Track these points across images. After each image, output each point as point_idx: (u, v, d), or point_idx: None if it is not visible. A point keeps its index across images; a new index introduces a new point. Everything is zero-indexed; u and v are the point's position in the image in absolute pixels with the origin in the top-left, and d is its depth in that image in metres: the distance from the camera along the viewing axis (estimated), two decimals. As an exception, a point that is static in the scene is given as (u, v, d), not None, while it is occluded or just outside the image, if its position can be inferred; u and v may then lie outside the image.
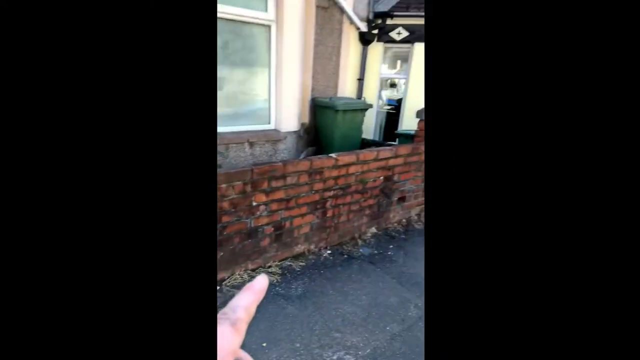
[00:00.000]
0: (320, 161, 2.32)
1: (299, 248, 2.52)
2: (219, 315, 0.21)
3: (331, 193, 2.48)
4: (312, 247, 2.59)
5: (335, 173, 2.43)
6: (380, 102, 5.07)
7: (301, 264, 2.43)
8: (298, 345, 1.71)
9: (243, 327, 0.21)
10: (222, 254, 2.10)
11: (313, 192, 2.38)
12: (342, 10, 3.90)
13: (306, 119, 4.16)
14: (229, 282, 2.14)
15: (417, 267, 2.47)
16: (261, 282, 0.24)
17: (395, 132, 4.28)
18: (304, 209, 2.40)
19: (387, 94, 5.33)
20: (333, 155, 2.41)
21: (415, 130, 3.27)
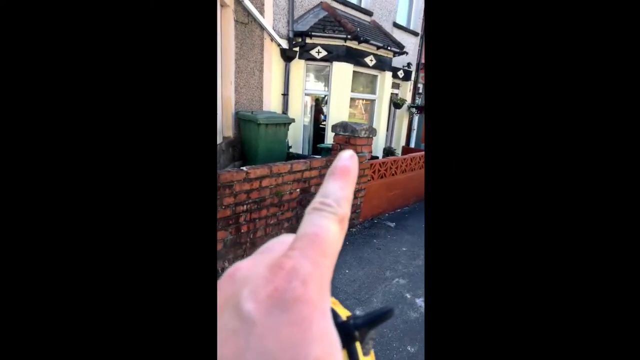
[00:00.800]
0: (229, 174, 2.26)
1: (212, 267, 2.39)
2: (316, 205, 0.16)
3: (244, 207, 2.42)
4: (227, 265, 2.47)
5: (247, 187, 2.38)
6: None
7: (214, 283, 2.30)
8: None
9: (347, 225, 0.17)
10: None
11: (223, 207, 2.29)
12: (262, 27, 3.95)
13: (230, 133, 4.06)
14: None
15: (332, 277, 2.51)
16: (355, 161, 0.18)
17: (318, 146, 4.41)
18: (214, 225, 2.29)
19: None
20: (244, 168, 2.36)
21: (332, 144, 3.40)
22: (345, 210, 0.17)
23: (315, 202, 0.17)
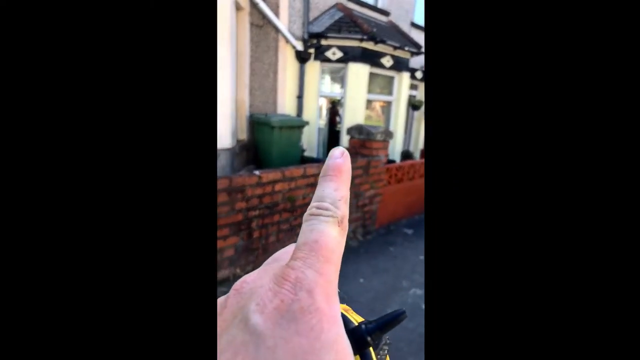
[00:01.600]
0: (241, 179, 2.21)
1: (223, 273, 2.34)
2: (312, 211, 0.17)
3: (256, 212, 2.37)
4: (238, 271, 2.42)
5: (259, 191, 2.33)
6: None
7: (224, 290, 2.24)
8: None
9: (347, 225, 0.17)
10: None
11: (235, 212, 2.24)
12: (277, 29, 3.92)
13: (244, 136, 4.05)
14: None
15: (345, 285, 2.41)
16: (347, 159, 0.18)
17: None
18: (225, 231, 2.24)
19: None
20: (256, 172, 2.31)
21: (347, 147, 3.31)
22: (343, 212, 0.17)
23: (312, 207, 0.17)
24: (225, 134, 3.49)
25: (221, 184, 2.12)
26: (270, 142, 3.71)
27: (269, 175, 2.37)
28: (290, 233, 2.66)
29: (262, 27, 3.85)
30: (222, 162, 3.54)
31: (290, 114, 4.34)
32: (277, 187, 2.44)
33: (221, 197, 2.14)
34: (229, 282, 2.33)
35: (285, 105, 4.38)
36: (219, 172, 3.53)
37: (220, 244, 2.24)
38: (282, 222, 2.57)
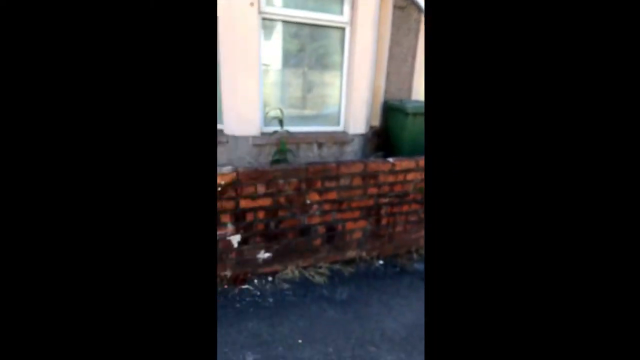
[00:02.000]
0: (375, 164, 2.25)
1: (351, 253, 2.48)
2: None
3: (386, 200, 2.38)
4: (364, 254, 2.52)
5: (391, 178, 2.32)
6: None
7: (351, 270, 2.39)
8: (331, 350, 1.69)
9: None
10: (277, 247, 2.21)
11: (367, 196, 2.31)
12: (419, 9, 3.70)
13: (376, 122, 4.07)
14: (281, 275, 2.24)
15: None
16: None
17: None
18: (356, 213, 2.35)
19: None
20: (390, 159, 2.30)
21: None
22: None
23: None
24: (361, 121, 3.60)
25: (356, 167, 2.21)
26: (402, 129, 3.61)
27: (403, 163, 2.32)
28: (418, 226, 2.57)
29: (404, 8, 3.70)
30: (355, 147, 3.68)
31: (423, 101, 4.10)
32: (409, 176, 2.38)
33: (355, 181, 2.24)
34: (355, 263, 2.45)
35: (421, 90, 4.15)
36: (352, 156, 3.69)
37: (350, 225, 2.36)
38: (410, 213, 2.50)
